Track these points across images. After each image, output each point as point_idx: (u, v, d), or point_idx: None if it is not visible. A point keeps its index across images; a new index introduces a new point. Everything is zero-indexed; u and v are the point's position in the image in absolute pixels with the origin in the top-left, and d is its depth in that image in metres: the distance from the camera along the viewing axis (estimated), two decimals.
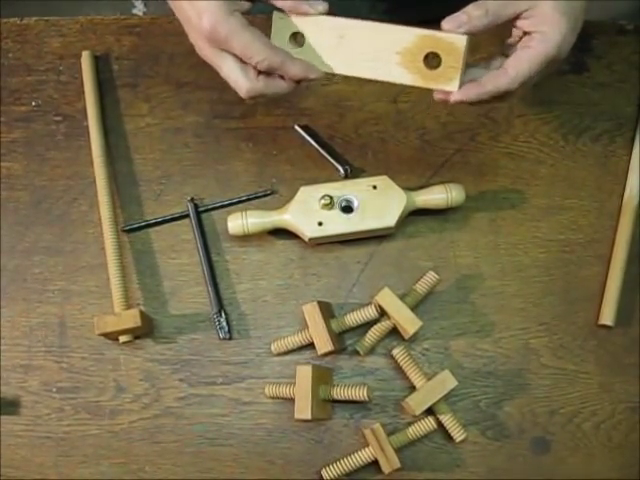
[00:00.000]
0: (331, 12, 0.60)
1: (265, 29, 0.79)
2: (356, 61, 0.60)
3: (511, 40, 0.61)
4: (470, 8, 0.56)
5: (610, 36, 0.78)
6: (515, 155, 0.75)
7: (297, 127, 0.75)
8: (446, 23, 0.56)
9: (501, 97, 0.59)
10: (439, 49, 0.57)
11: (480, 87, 0.57)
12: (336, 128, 0.76)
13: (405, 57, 0.58)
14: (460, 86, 0.58)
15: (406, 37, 0.58)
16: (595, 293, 0.70)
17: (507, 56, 0.59)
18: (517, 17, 0.57)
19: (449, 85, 0.58)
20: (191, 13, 0.58)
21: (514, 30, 0.60)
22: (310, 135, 0.75)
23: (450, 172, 0.74)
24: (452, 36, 0.56)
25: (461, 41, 0.56)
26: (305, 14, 0.59)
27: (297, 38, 0.61)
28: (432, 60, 0.58)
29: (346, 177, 0.73)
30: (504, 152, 0.75)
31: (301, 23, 0.60)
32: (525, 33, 0.58)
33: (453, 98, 0.58)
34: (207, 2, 0.57)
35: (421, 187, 0.71)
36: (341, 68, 0.61)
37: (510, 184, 0.74)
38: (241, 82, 0.59)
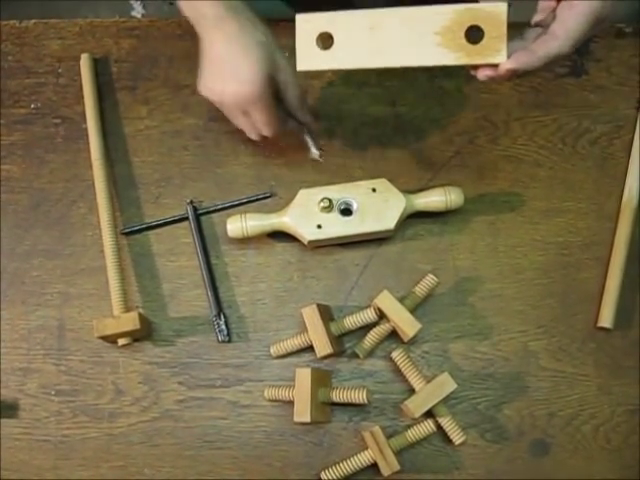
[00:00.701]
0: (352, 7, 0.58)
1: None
2: (392, 51, 0.57)
3: (536, 17, 0.59)
4: None
5: (609, 39, 0.79)
6: (514, 158, 0.75)
7: None
8: None
9: (551, 63, 0.56)
10: (480, 21, 0.55)
11: (531, 53, 0.55)
12: (335, 131, 0.76)
13: (445, 36, 0.55)
14: (508, 56, 0.55)
15: (443, 15, 0.55)
16: (594, 295, 0.70)
17: (544, 27, 0.57)
18: None
19: (496, 57, 0.55)
20: (234, 71, 0.62)
21: (542, 2, 0.59)
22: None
23: (449, 175, 0.74)
24: (491, 5, 0.54)
25: (502, 8, 0.54)
26: None
27: (325, 39, 0.58)
28: (473, 34, 0.55)
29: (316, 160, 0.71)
30: (503, 155, 0.75)
31: (327, 22, 0.57)
32: None
33: (505, 67, 0.55)
34: (256, 71, 0.62)
35: (420, 190, 0.71)
36: (377, 61, 0.57)
37: (509, 187, 0.74)
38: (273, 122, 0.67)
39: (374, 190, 0.69)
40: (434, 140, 0.76)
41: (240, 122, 0.68)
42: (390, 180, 0.69)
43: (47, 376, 0.70)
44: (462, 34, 0.55)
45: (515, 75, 0.56)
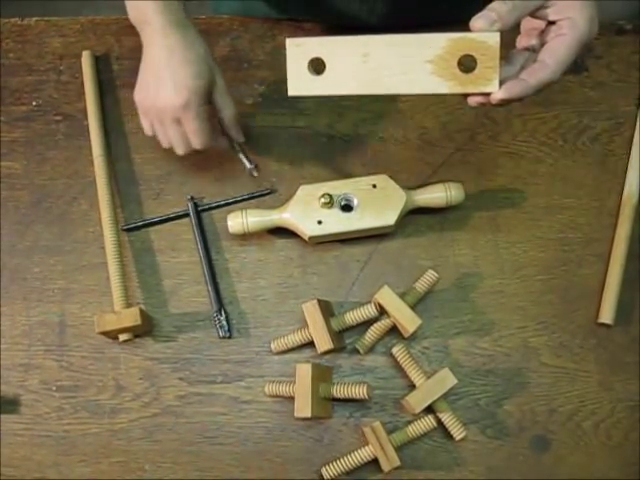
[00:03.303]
0: (343, 30, 0.57)
1: (263, 30, 0.79)
2: (385, 78, 0.56)
3: (522, 41, 0.60)
4: (496, 5, 0.54)
5: (609, 36, 0.79)
6: (514, 154, 0.75)
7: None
8: (476, 22, 0.54)
9: (542, 90, 0.57)
10: (473, 50, 0.54)
11: (523, 83, 0.56)
12: (336, 127, 0.76)
13: (438, 65, 0.55)
14: (500, 85, 0.55)
15: (436, 44, 0.55)
16: (594, 292, 0.70)
17: (534, 50, 0.58)
18: (540, 7, 0.56)
19: (488, 86, 0.55)
20: (173, 78, 0.64)
21: (526, 23, 0.59)
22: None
23: (450, 171, 0.74)
24: (484, 35, 0.54)
25: (495, 39, 0.54)
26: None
27: (316, 64, 0.57)
28: (466, 63, 0.55)
29: (251, 174, 0.74)
30: (503, 151, 0.75)
31: (319, 48, 0.56)
32: (550, 23, 0.57)
33: (497, 97, 0.55)
34: (194, 79, 0.64)
35: (420, 186, 0.72)
36: (370, 88, 0.56)
37: (509, 183, 0.74)
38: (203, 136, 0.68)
39: (374, 186, 0.69)
40: (435, 136, 0.76)
41: (170, 132, 0.67)
42: (391, 176, 0.69)
43: (48, 372, 0.70)
44: (455, 63, 0.55)
45: (507, 103, 0.57)
